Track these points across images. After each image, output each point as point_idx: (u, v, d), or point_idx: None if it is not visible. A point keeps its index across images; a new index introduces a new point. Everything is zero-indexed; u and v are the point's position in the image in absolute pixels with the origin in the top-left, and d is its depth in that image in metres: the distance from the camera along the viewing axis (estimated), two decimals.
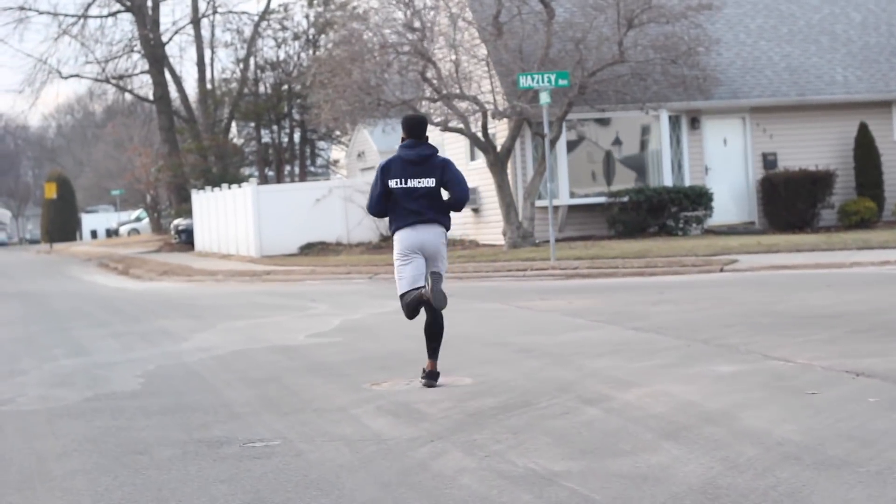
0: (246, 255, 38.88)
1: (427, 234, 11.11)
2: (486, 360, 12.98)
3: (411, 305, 11.19)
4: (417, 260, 11.16)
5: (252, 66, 54.92)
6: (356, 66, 30.04)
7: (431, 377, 11.34)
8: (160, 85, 55.61)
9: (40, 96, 61.04)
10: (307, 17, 54.55)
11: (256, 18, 55.04)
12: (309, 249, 37.70)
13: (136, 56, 56.89)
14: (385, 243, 37.19)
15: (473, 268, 27.24)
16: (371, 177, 42.86)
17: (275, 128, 54.98)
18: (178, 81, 57.12)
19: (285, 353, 14.51)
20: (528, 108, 28.95)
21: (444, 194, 11.28)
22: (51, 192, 70.29)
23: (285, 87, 54.18)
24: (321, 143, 57.57)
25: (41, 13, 56.82)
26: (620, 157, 33.28)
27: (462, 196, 11.20)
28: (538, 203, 31.12)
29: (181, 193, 55.26)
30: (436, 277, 10.92)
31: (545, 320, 16.60)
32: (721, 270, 24.45)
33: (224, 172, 53.26)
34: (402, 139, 11.33)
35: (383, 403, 10.68)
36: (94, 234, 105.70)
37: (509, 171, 31.24)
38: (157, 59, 55.20)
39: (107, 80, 57.95)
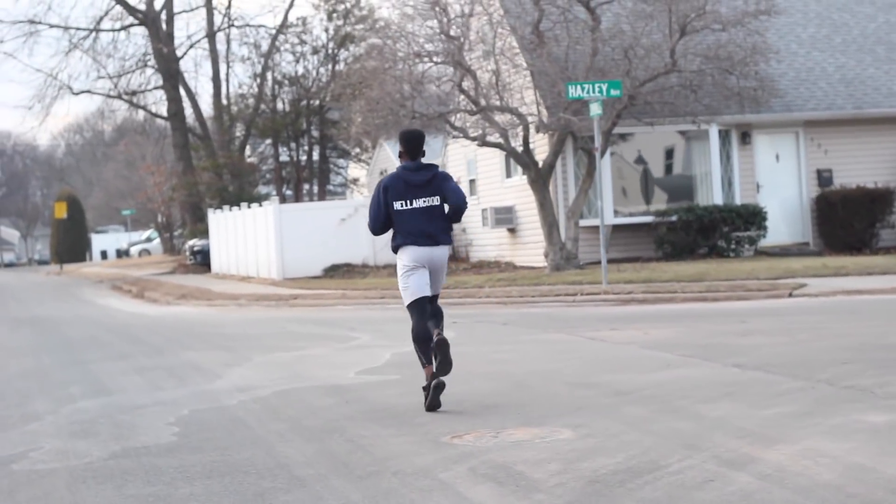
0: (267, 278, 37.00)
1: (436, 251, 11.14)
2: (578, 406, 11.06)
3: (417, 341, 11.35)
4: (422, 271, 11.15)
5: (269, 82, 53.17)
6: (388, 76, 28.15)
7: (444, 343, 11.03)
8: (174, 101, 53.84)
9: (50, 112, 58.70)
10: (326, 30, 52.92)
11: (274, 32, 53.33)
12: (334, 272, 35.82)
13: (149, 71, 55.20)
14: None
15: (518, 292, 25.31)
16: (353, 200, 41.25)
17: (293, 145, 53.16)
18: (192, 97, 55.37)
19: (338, 394, 12.60)
20: (575, 121, 27.04)
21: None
22: (61, 211, 68.47)
23: (304, 102, 52.39)
24: (339, 161, 55.74)
25: (52, 27, 55.14)
26: (666, 173, 31.40)
27: (459, 203, 11.19)
28: (581, 223, 29.22)
29: (196, 213, 53.46)
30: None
31: (626, 355, 14.66)
32: (790, 295, 22.52)
33: (240, 191, 51.46)
34: (400, 153, 11.27)
35: (476, 465, 8.77)
36: (104, 254, 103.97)
37: (550, 188, 29.32)
38: (171, 73, 53.43)
39: (119, 97, 56.21)
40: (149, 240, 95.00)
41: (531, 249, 31.88)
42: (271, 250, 36.68)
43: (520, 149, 28.89)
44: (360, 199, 37.03)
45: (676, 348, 14.82)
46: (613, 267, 28.74)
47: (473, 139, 29.22)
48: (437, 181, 11.10)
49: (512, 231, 33.06)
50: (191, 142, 54.74)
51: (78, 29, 54.79)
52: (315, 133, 52.74)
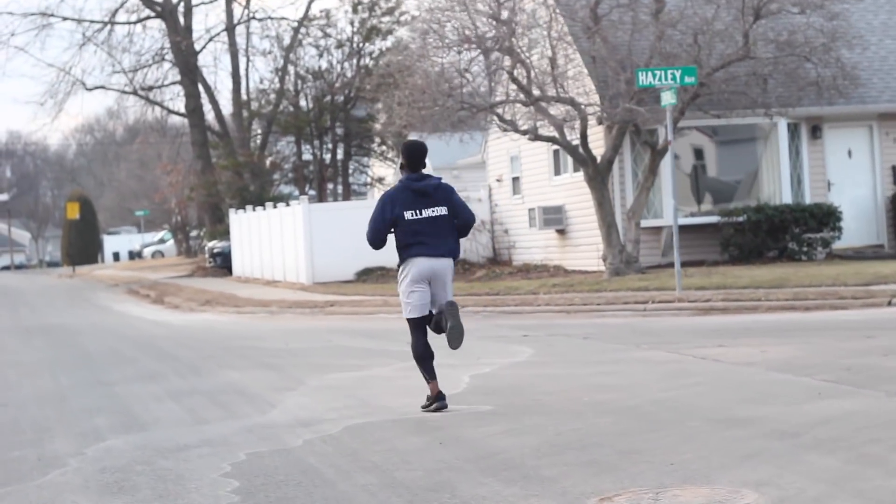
0: (295, 282, 34.70)
1: (439, 263, 11.06)
2: (744, 453, 8.72)
3: (417, 358, 11.44)
4: (425, 287, 11.11)
5: (292, 76, 50.83)
6: (433, 63, 25.83)
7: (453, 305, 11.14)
8: (193, 96, 51.55)
9: (63, 109, 56.45)
10: (351, 23, 50.47)
11: (296, 24, 50.98)
12: (367, 276, 33.50)
13: (166, 66, 52.88)
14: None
15: (581, 299, 22.97)
16: None
17: (316, 143, 50.82)
18: (210, 93, 53.08)
19: (426, 431, 10.29)
20: (642, 111, 24.71)
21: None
22: (73, 212, 66.23)
23: (328, 98, 50.03)
24: (363, 160, 53.39)
25: (65, 19, 52.83)
26: (726, 170, 29.07)
27: (470, 220, 11.25)
28: (643, 223, 26.92)
29: (215, 213, 51.18)
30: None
31: (757, 380, 12.31)
32: (889, 304, 20.18)
33: (261, 191, 49.19)
34: (401, 165, 11.22)
35: None
36: (116, 256, 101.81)
37: (609, 186, 26.99)
38: (189, 68, 51.15)
39: (134, 92, 53.88)
40: (162, 241, 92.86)
41: (583, 252, 29.55)
42: (300, 253, 34.39)
43: (575, 143, 26.56)
44: None
45: (812, 371, 12.47)
46: (672, 271, 26.48)
47: (524, 133, 26.89)
48: (443, 192, 11.08)
49: (561, 232, 30.72)
50: (209, 139, 52.45)
51: (92, 22, 52.52)
52: (339, 130, 50.31)
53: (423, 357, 11.32)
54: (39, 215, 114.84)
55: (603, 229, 26.46)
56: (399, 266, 11.29)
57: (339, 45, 50.46)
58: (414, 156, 11.12)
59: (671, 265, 27.55)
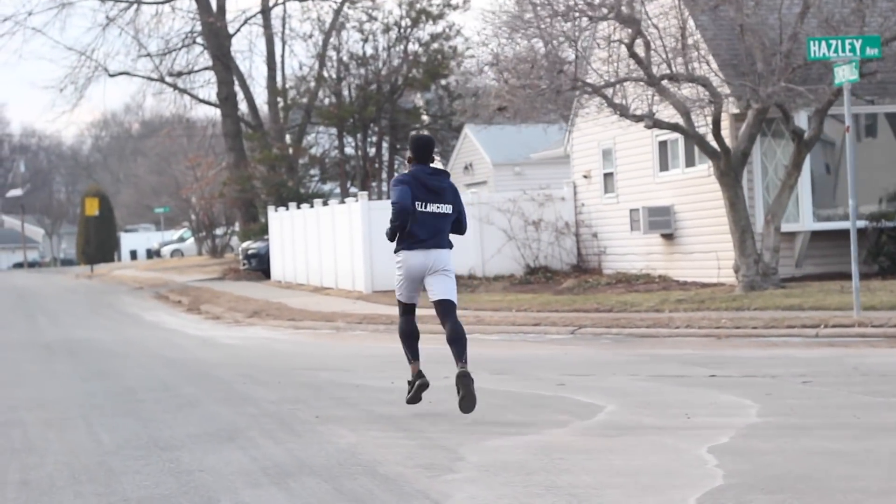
0: (350, 290, 30.39)
1: (431, 255, 11.06)
2: None
3: (402, 337, 11.43)
4: (416, 282, 11.17)
5: (334, 62, 46.48)
6: (542, 33, 21.50)
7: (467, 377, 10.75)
8: (225, 83, 47.28)
9: (84, 95, 52.23)
10: (399, 5, 46.12)
11: (338, 5, 46.64)
12: None
13: (196, 50, 48.65)
14: (533, 277, 28.79)
15: (729, 321, 18.59)
16: (481, 194, 34.60)
17: (359, 136, 46.46)
18: (243, 81, 48.76)
19: None
20: (805, 92, 20.36)
21: None
22: (92, 208, 62.03)
23: (374, 87, 45.68)
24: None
25: None
26: (872, 165, 24.73)
27: (464, 229, 11.45)
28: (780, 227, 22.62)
29: (249, 211, 46.87)
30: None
31: None
32: None
33: (298, 186, 44.93)
34: (408, 159, 11.26)
35: None
36: (133, 254, 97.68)
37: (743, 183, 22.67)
38: (223, 52, 46.88)
39: (161, 79, 49.63)
40: (181, 240, 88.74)
41: (697, 261, 25.24)
42: (356, 256, 30.07)
43: (702, 132, 22.25)
44: (469, 197, 30.42)
45: None
46: (817, 285, 22.19)
47: (639, 119, 22.57)
48: (452, 192, 11.14)
49: (668, 237, 26.38)
50: (242, 130, 48.17)
51: (117, 0, 48.25)
52: (383, 122, 45.92)
53: (410, 335, 11.34)
54: (54, 211, 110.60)
55: (736, 235, 22.15)
56: (395, 251, 11.19)
57: (386, 28, 46.12)
58: (422, 150, 11.10)
59: (806, 278, 23.38)
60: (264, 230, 43.20)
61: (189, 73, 48.65)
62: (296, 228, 36.32)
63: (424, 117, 47.14)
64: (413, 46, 46.22)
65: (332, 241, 32.23)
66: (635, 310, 21.04)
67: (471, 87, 27.32)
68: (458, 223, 11.25)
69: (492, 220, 29.69)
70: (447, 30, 46.23)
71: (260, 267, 41.67)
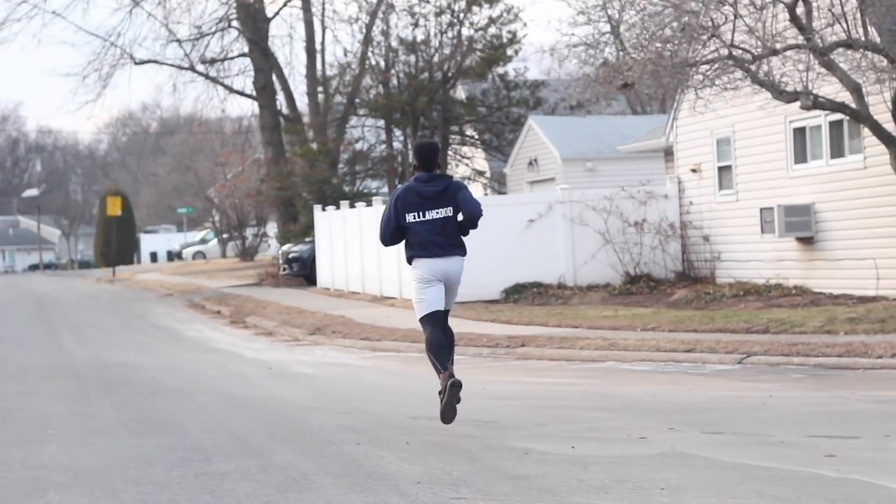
0: None
1: (451, 264, 10.96)
2: None
3: (432, 348, 10.90)
4: (438, 285, 10.97)
5: (381, 48, 42.46)
6: None
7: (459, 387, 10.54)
8: (263, 71, 43.35)
9: (108, 84, 48.29)
10: None
11: None
12: (519, 294, 25.26)
13: (230, 35, 44.69)
14: (634, 286, 24.75)
15: None
16: (544, 193, 30.73)
17: (408, 129, 42.43)
18: (280, 71, 44.80)
19: None
20: None
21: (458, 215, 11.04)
22: (115, 207, 58.19)
23: (425, 75, 41.66)
24: (463, 150, 44.99)
25: None
26: None
27: (474, 212, 10.96)
28: None
29: (288, 211, 42.88)
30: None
31: None
32: None
33: (342, 183, 41.01)
34: (413, 166, 11.26)
35: None
36: (153, 256, 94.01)
37: None
38: (260, 37, 42.91)
39: (192, 68, 45.67)
40: (203, 241, 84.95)
41: (846, 270, 21.17)
42: None
43: (879, 113, 18.19)
44: (558, 194, 26.33)
45: None
46: None
47: (794, 98, 18.51)
48: (451, 191, 10.94)
49: (807, 241, 22.26)
50: (282, 123, 44.18)
51: None
52: (435, 113, 41.90)
53: (439, 347, 10.85)
54: (71, 212, 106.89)
55: None
56: (408, 260, 11.12)
57: (439, 11, 42.08)
58: (425, 158, 11.02)
59: None
60: (306, 231, 39.26)
61: (223, 59, 44.70)
62: (348, 230, 32.32)
63: (481, 108, 43.14)
64: (468, 31, 42.25)
65: (395, 246, 28.18)
66: (799, 331, 17.02)
67: (567, 76, 23.17)
68: (468, 221, 10.95)
69: (585, 220, 25.65)
70: (505, 13, 42.27)
71: (302, 272, 37.72)
